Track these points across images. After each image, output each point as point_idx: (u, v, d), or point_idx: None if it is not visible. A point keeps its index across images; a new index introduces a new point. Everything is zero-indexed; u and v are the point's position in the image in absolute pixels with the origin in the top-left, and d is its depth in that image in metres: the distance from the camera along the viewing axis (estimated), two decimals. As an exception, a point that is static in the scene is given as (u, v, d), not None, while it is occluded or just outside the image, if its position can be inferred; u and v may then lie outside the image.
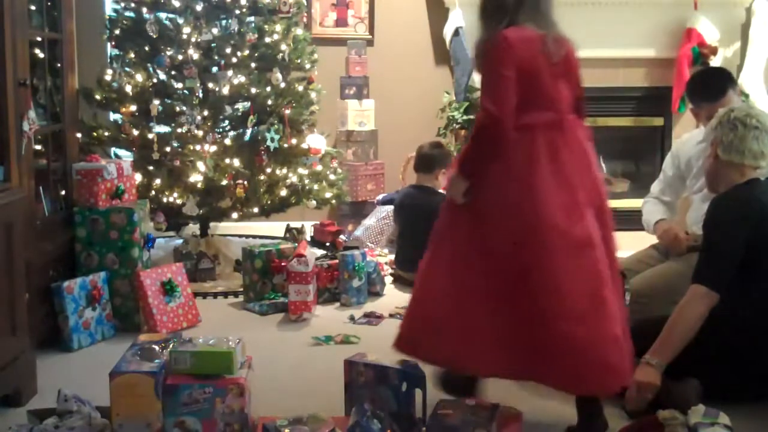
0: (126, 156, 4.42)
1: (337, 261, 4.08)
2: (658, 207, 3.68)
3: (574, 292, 2.32)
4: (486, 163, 2.41)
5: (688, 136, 3.67)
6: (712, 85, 3.42)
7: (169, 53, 4.33)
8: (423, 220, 4.32)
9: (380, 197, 5.23)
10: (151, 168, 4.38)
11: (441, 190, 4.52)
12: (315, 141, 4.67)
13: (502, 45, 2.38)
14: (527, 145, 2.39)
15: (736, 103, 3.28)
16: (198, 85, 4.38)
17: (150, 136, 4.33)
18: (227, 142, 4.49)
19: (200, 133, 4.34)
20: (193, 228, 4.76)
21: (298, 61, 4.66)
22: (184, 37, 4.32)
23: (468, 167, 2.46)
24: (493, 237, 2.41)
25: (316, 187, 4.69)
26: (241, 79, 4.41)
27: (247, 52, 4.46)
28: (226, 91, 4.37)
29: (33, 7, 3.36)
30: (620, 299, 2.48)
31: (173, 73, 4.44)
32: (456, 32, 5.30)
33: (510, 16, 2.41)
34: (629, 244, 4.27)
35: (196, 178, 4.31)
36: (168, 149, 4.37)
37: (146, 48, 4.41)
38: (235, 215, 4.53)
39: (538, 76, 2.40)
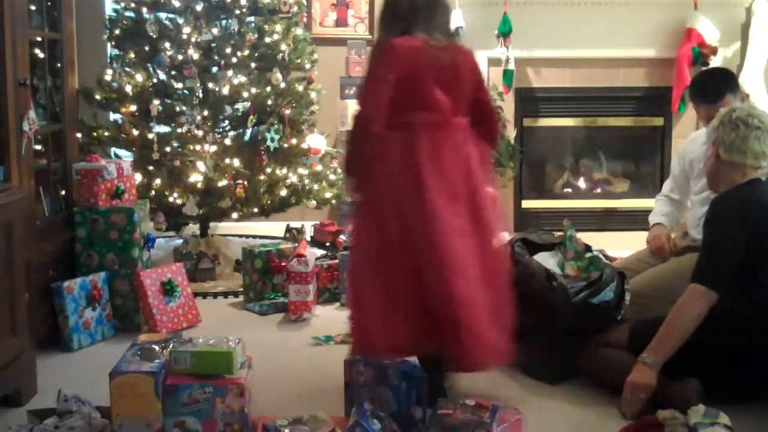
0: (126, 156, 4.42)
1: (337, 261, 4.08)
2: (663, 207, 3.68)
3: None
4: (363, 159, 2.63)
5: (695, 135, 3.67)
6: (710, 87, 3.42)
7: (169, 53, 4.33)
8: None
9: (380, 197, 5.22)
10: (151, 168, 4.38)
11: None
12: (315, 141, 4.67)
13: (387, 51, 2.59)
14: (410, 142, 2.57)
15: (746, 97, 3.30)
16: (198, 85, 4.38)
17: (150, 136, 4.33)
18: (227, 142, 4.49)
19: (200, 133, 4.34)
20: (193, 228, 4.76)
21: (298, 61, 4.66)
22: (184, 37, 4.33)
23: (349, 165, 2.72)
24: (388, 229, 2.56)
25: (316, 187, 4.69)
26: (241, 79, 4.41)
27: (247, 52, 4.46)
28: (226, 91, 4.37)
29: (33, 7, 3.36)
30: (490, 288, 2.61)
31: (173, 73, 4.44)
32: (456, 32, 5.30)
33: (404, 27, 2.61)
34: (629, 244, 4.29)
35: (196, 178, 4.31)
36: (168, 149, 4.37)
37: (146, 48, 4.41)
38: (235, 215, 4.53)
39: (422, 81, 2.58)
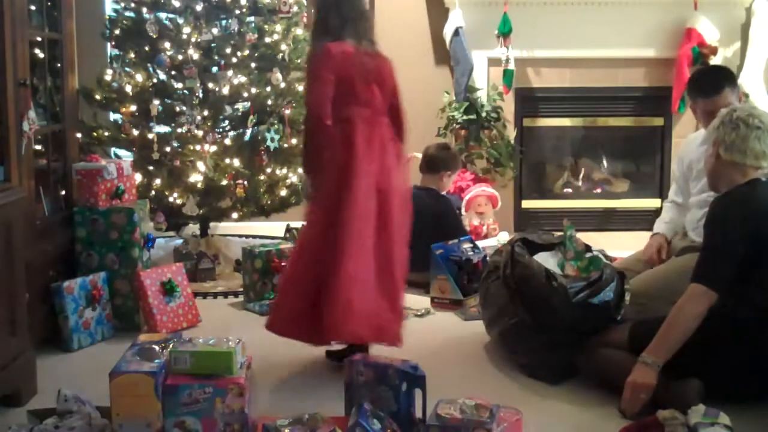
0: (126, 156, 4.43)
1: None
2: (667, 213, 3.68)
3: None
4: (317, 156, 3.00)
5: (692, 137, 3.67)
6: (708, 80, 3.42)
7: (169, 53, 4.34)
8: (424, 221, 4.35)
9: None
10: (151, 168, 4.38)
11: (444, 193, 4.53)
12: (315, 141, 4.66)
13: (324, 54, 2.97)
14: (348, 134, 2.93)
15: (734, 103, 3.28)
16: (198, 85, 4.38)
17: (150, 136, 4.34)
18: (227, 142, 4.49)
19: (200, 133, 4.34)
20: (193, 228, 4.76)
21: (298, 61, 4.66)
22: (184, 37, 4.33)
23: (308, 164, 3.09)
24: (328, 215, 2.91)
25: (316, 187, 4.69)
26: (241, 79, 4.41)
27: (247, 52, 4.47)
28: (226, 91, 4.37)
29: (33, 7, 3.36)
30: (385, 275, 2.94)
31: (173, 73, 4.44)
32: (456, 32, 5.31)
33: (335, 35, 2.99)
34: (629, 244, 4.29)
35: (196, 178, 4.31)
36: (168, 149, 4.37)
37: (146, 48, 4.41)
38: (235, 215, 4.53)
39: (354, 80, 2.97)
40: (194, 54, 4.33)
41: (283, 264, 3.92)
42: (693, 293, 2.66)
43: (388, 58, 3.15)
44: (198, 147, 4.33)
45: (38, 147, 3.43)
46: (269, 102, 4.51)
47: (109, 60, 4.61)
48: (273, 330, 3.10)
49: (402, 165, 3.13)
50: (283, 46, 4.56)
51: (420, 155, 4.64)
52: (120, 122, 4.43)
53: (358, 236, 2.88)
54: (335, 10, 3.02)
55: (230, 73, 4.40)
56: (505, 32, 5.24)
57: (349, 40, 3.00)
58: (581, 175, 5.86)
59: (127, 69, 4.40)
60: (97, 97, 4.43)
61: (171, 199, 4.37)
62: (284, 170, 4.56)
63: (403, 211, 3.09)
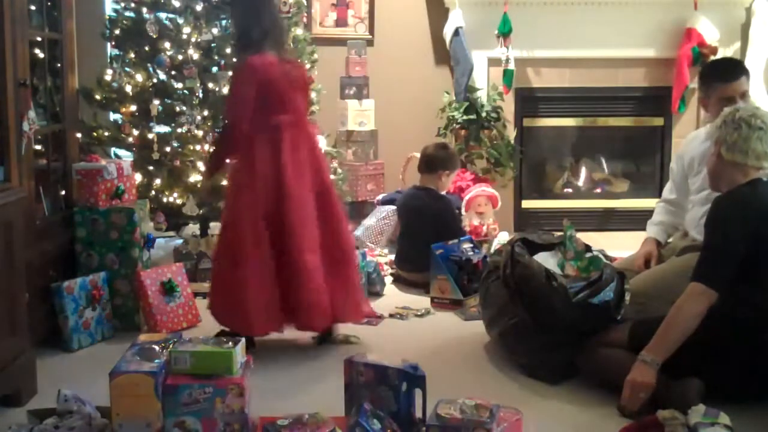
0: (126, 156, 4.42)
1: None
2: (659, 215, 3.67)
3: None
4: (226, 158, 3.37)
5: (694, 135, 3.66)
6: (727, 66, 3.43)
7: (169, 53, 4.33)
8: (424, 221, 4.36)
9: (380, 197, 5.23)
10: (151, 168, 4.38)
11: (443, 193, 4.53)
12: (315, 141, 4.66)
13: (246, 69, 3.20)
14: (277, 138, 3.16)
15: (748, 94, 3.28)
16: (198, 85, 4.38)
17: (150, 136, 4.33)
18: (227, 142, 4.48)
19: (200, 133, 4.34)
20: (193, 228, 4.76)
21: (298, 61, 4.65)
22: (184, 37, 4.32)
23: (214, 165, 3.48)
24: (257, 207, 3.14)
25: (316, 187, 4.69)
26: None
27: (247, 52, 4.46)
28: (226, 91, 4.37)
29: (33, 7, 3.36)
30: (333, 262, 3.25)
31: (173, 73, 4.43)
32: (456, 32, 5.31)
33: (257, 48, 3.19)
34: (629, 244, 4.29)
35: (196, 178, 4.31)
36: (168, 149, 4.37)
37: (146, 48, 4.41)
38: (235, 215, 4.51)
39: (281, 89, 3.19)
40: (194, 54, 4.32)
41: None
42: (693, 292, 2.66)
43: (302, 64, 3.48)
44: (198, 147, 4.32)
45: (38, 147, 3.43)
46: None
47: (109, 60, 4.60)
48: (224, 324, 3.30)
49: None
50: (283, 46, 4.55)
51: (418, 155, 4.65)
52: (120, 122, 4.42)
53: (303, 230, 3.16)
54: (256, 23, 3.20)
55: (230, 73, 4.39)
56: (505, 32, 5.24)
57: (271, 51, 3.22)
58: (581, 175, 5.86)
59: (127, 69, 4.39)
60: (97, 97, 4.42)
61: (171, 199, 4.37)
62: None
63: (338, 202, 3.41)
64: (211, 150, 3.50)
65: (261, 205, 3.14)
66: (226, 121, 3.35)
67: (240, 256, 3.15)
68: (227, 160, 3.38)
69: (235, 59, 3.51)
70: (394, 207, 4.86)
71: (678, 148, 5.49)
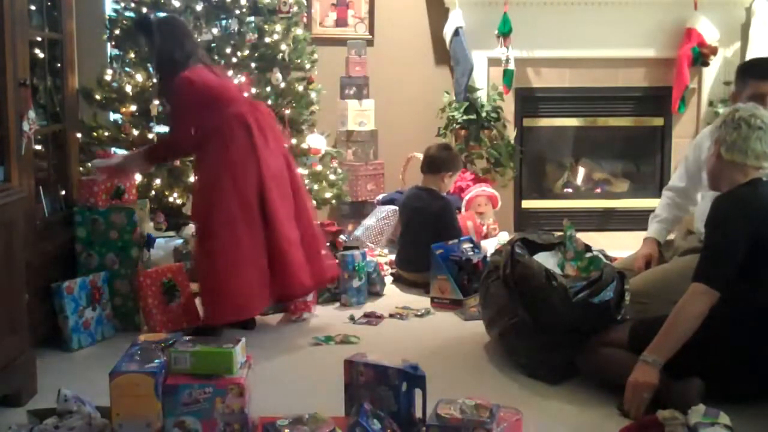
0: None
1: (337, 261, 4.08)
2: (664, 209, 3.62)
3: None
4: (167, 161, 3.97)
5: (711, 128, 3.62)
6: (765, 64, 3.40)
7: (169, 53, 4.33)
8: (425, 221, 4.36)
9: (380, 197, 5.23)
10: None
11: (444, 194, 4.53)
12: (315, 141, 4.67)
13: (185, 84, 3.37)
14: (229, 129, 3.36)
15: None
16: (198, 85, 4.37)
17: (150, 136, 4.33)
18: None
19: (200, 133, 4.34)
20: (193, 228, 4.75)
21: (298, 61, 4.66)
22: (184, 37, 4.32)
23: (150, 161, 3.66)
24: (245, 187, 3.36)
25: (316, 187, 4.69)
26: (241, 79, 4.41)
27: (247, 52, 4.46)
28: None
29: (33, 7, 3.36)
30: (307, 230, 3.58)
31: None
32: (456, 32, 5.31)
33: (183, 66, 3.39)
34: (629, 244, 4.29)
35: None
36: (168, 149, 4.36)
37: (146, 48, 4.40)
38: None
39: (221, 87, 3.46)
40: (194, 54, 4.32)
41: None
42: (694, 292, 2.66)
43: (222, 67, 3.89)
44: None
45: (38, 147, 3.42)
46: (269, 102, 4.51)
47: (109, 60, 4.61)
48: (230, 317, 3.45)
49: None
50: (283, 46, 4.56)
51: (420, 155, 4.65)
52: (120, 122, 4.43)
53: (279, 207, 3.40)
54: (179, 46, 3.42)
55: (230, 73, 4.39)
56: (505, 32, 5.24)
57: (197, 63, 3.44)
58: (581, 175, 5.86)
59: (127, 69, 4.40)
60: (97, 97, 4.42)
61: (171, 199, 4.37)
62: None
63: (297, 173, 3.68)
64: (154, 147, 3.78)
65: (247, 184, 3.35)
66: (169, 136, 3.69)
67: (234, 239, 3.33)
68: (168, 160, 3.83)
69: (159, 84, 3.83)
70: (394, 207, 4.87)
71: (678, 148, 5.55)
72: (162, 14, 4.40)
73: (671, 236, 3.66)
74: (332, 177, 4.79)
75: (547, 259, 3.14)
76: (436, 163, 4.47)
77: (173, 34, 3.46)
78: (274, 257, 3.41)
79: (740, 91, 3.36)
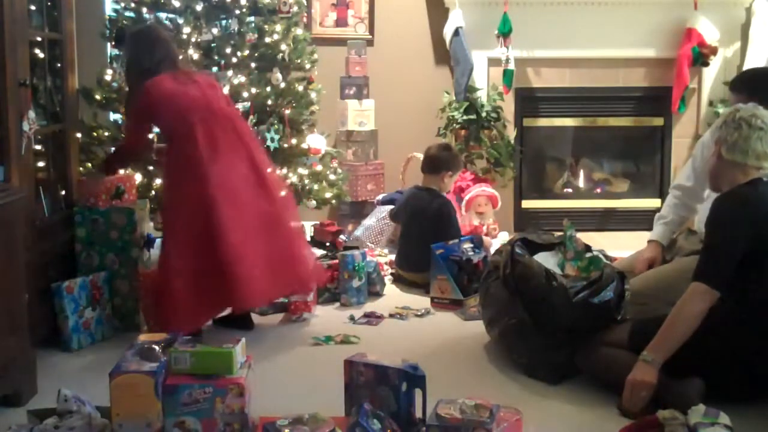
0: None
1: (337, 261, 4.08)
2: (671, 209, 3.61)
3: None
4: (121, 168, 3.81)
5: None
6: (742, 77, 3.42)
7: (169, 53, 4.33)
8: (426, 221, 4.36)
9: (380, 197, 5.23)
10: (151, 168, 4.38)
11: (445, 194, 4.53)
12: (315, 141, 4.67)
13: (142, 93, 3.38)
14: (178, 139, 3.36)
15: None
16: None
17: (150, 136, 4.32)
18: (227, 142, 4.48)
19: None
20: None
21: (298, 61, 4.66)
22: (184, 37, 4.33)
23: (108, 169, 3.69)
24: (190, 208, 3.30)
25: (316, 187, 4.69)
26: (241, 79, 4.41)
27: (247, 52, 4.46)
28: (226, 91, 4.37)
29: (33, 7, 3.36)
30: (271, 239, 3.40)
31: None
32: (456, 32, 5.31)
33: (152, 75, 3.38)
34: (629, 244, 4.29)
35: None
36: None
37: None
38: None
39: (176, 96, 3.36)
40: (194, 54, 4.32)
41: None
42: (694, 292, 2.66)
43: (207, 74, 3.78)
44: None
45: (38, 147, 3.42)
46: (269, 102, 4.51)
47: (109, 60, 4.61)
48: (179, 327, 3.20)
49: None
50: (283, 46, 4.56)
51: (420, 155, 4.65)
52: (120, 122, 4.43)
53: (230, 217, 3.27)
54: (148, 55, 3.42)
55: (230, 73, 4.40)
56: (505, 32, 5.24)
57: (167, 71, 3.41)
58: (581, 175, 5.87)
59: (127, 69, 4.39)
60: (97, 97, 4.42)
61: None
62: (284, 170, 4.56)
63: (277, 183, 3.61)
64: (111, 154, 3.83)
65: (191, 194, 3.31)
66: (125, 141, 3.74)
67: (177, 249, 3.28)
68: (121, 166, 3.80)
69: (128, 94, 3.79)
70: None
71: (678, 148, 5.55)
72: (160, 16, 4.42)
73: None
74: (332, 177, 4.79)
75: (547, 259, 3.14)
76: (437, 163, 4.47)
77: (143, 43, 3.47)
78: (223, 269, 3.25)
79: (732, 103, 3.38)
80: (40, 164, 3.50)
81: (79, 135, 3.89)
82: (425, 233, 4.22)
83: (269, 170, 3.56)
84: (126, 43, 3.62)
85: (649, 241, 3.61)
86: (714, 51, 5.30)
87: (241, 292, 3.27)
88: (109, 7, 4.96)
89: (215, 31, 4.43)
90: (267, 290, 3.39)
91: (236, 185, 3.34)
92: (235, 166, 3.37)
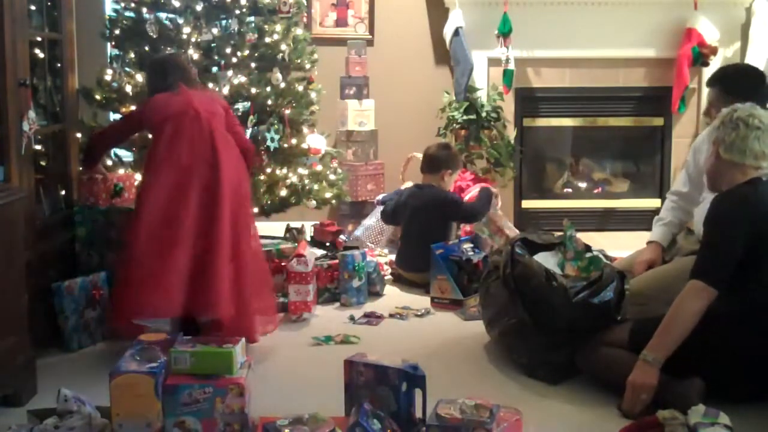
0: (126, 156, 4.42)
1: (337, 261, 4.08)
2: (669, 212, 3.62)
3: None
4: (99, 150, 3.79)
5: (709, 130, 3.62)
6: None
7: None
8: (427, 217, 4.37)
9: (380, 197, 5.23)
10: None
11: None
12: (315, 141, 4.67)
13: (143, 107, 3.55)
14: (159, 133, 3.35)
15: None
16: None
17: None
18: (227, 142, 4.47)
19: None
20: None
21: (298, 61, 4.65)
22: (184, 37, 4.32)
23: (86, 160, 3.72)
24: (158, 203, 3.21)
25: (316, 187, 4.69)
26: (241, 79, 4.40)
27: (247, 52, 4.46)
28: (226, 91, 4.36)
29: (33, 7, 3.36)
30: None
31: (173, 73, 4.43)
32: (456, 32, 5.31)
33: (160, 91, 3.46)
34: (629, 244, 4.29)
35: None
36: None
37: (146, 48, 4.41)
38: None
39: (171, 99, 3.39)
40: (194, 54, 4.32)
41: (283, 264, 3.92)
42: (692, 289, 2.66)
43: (213, 92, 3.74)
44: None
45: (38, 147, 3.42)
46: (269, 102, 4.50)
47: (109, 60, 4.60)
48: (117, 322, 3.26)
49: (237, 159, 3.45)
50: (283, 46, 4.55)
51: (420, 155, 4.65)
52: (119, 122, 4.42)
53: (149, 219, 3.18)
54: (161, 76, 3.51)
55: (230, 73, 4.39)
56: (505, 32, 5.24)
57: (175, 87, 3.45)
58: (581, 175, 5.86)
59: (127, 69, 4.39)
60: (97, 97, 4.41)
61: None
62: (284, 170, 4.55)
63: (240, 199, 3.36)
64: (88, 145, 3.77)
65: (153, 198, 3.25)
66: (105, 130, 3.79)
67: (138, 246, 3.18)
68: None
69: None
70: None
71: (678, 148, 5.55)
72: (160, 16, 4.42)
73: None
74: (332, 177, 4.79)
75: (547, 259, 3.14)
76: (436, 162, 4.48)
77: (158, 70, 3.57)
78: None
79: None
80: (40, 164, 3.50)
81: (79, 135, 3.88)
82: (428, 230, 4.24)
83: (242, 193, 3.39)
84: (146, 70, 3.82)
85: (649, 243, 3.62)
86: (714, 51, 5.30)
87: (128, 300, 3.15)
88: (109, 7, 4.96)
89: (215, 31, 4.42)
90: (152, 304, 3.13)
91: (171, 194, 3.20)
92: (184, 176, 3.22)
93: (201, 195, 3.22)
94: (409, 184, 4.88)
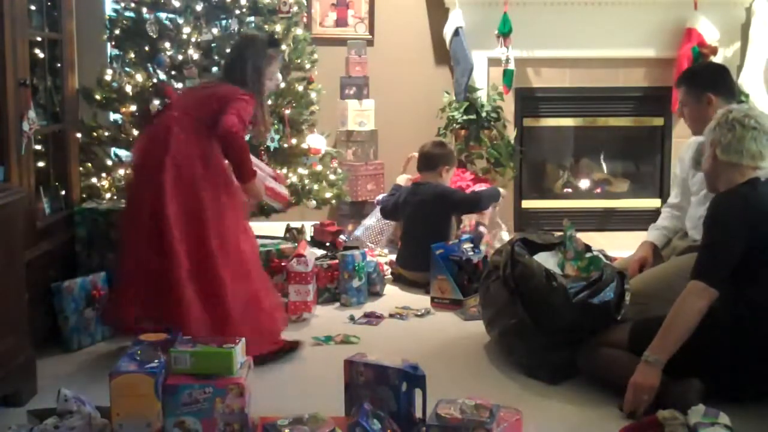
0: (126, 156, 4.42)
1: (337, 261, 4.08)
2: (662, 220, 3.64)
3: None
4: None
5: (693, 139, 3.65)
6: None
7: (169, 53, 4.33)
8: (427, 215, 4.37)
9: (380, 197, 5.22)
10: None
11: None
12: (315, 141, 4.67)
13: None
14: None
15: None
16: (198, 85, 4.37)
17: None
18: (227, 142, 4.47)
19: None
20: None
21: (298, 61, 4.65)
22: (184, 37, 4.32)
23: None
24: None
25: (316, 187, 4.69)
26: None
27: (247, 52, 4.45)
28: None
29: (33, 7, 3.36)
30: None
31: (173, 73, 4.43)
32: (456, 32, 5.30)
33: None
34: (629, 244, 4.28)
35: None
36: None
37: (146, 48, 4.40)
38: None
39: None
40: (194, 54, 4.32)
41: (283, 264, 3.92)
42: (693, 290, 2.66)
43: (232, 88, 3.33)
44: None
45: (38, 147, 3.42)
46: (269, 102, 4.50)
47: (109, 60, 4.60)
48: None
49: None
50: (283, 46, 4.55)
51: (417, 155, 4.66)
52: (120, 122, 4.42)
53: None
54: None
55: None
56: (505, 32, 5.24)
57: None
58: (581, 175, 5.86)
59: (127, 69, 4.39)
60: (97, 97, 4.41)
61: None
62: (284, 170, 4.55)
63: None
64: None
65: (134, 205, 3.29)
66: None
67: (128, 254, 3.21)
68: None
69: None
70: (394, 207, 4.87)
71: (678, 148, 5.54)
72: (160, 16, 4.42)
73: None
74: (332, 177, 4.79)
75: (547, 259, 3.14)
76: (433, 159, 4.50)
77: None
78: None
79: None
80: (40, 164, 3.50)
81: (79, 135, 3.89)
82: (429, 228, 4.25)
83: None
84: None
85: (643, 242, 3.62)
86: (714, 51, 5.30)
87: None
88: (109, 7, 4.95)
89: (215, 31, 4.42)
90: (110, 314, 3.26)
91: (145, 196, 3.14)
92: (158, 175, 3.10)
93: (150, 218, 3.10)
94: (403, 177, 4.89)
